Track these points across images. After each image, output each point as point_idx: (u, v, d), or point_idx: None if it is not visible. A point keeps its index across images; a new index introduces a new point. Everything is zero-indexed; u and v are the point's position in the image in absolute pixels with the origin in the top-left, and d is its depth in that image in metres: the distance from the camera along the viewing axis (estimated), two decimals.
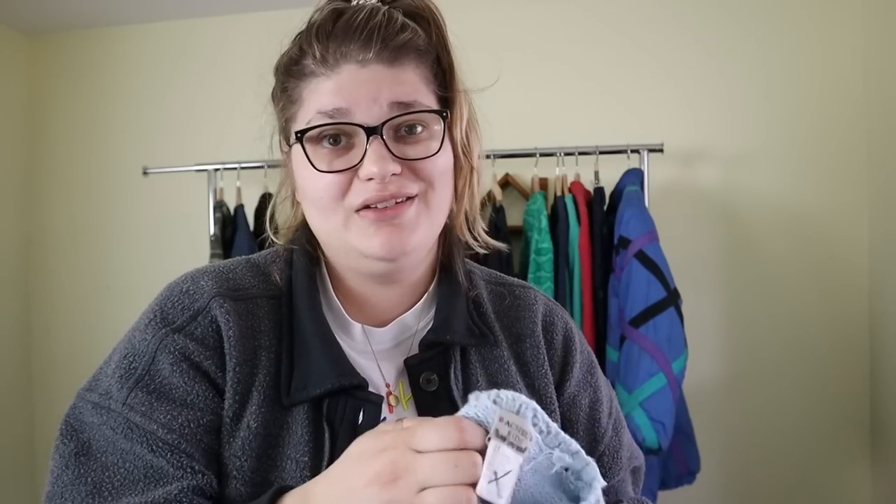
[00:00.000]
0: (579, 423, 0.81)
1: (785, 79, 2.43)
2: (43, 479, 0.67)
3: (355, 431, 0.69)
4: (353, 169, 0.69)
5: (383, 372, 0.75)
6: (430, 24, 0.74)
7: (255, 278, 0.76)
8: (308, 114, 0.70)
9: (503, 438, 0.49)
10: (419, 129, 0.70)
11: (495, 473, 0.48)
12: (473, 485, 0.47)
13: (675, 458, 2.12)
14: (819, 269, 2.41)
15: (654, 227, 2.09)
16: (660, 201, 2.40)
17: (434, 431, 0.49)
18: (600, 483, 0.52)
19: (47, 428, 2.84)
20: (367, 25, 0.69)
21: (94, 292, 2.85)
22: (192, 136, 2.75)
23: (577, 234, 2.21)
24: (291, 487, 0.61)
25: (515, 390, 0.76)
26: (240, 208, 2.46)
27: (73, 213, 2.89)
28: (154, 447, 0.65)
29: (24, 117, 2.91)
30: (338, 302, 0.76)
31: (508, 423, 0.50)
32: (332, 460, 0.66)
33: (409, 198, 0.70)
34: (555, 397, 0.80)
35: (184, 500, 0.63)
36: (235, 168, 2.43)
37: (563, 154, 2.29)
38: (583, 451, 0.53)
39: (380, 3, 0.72)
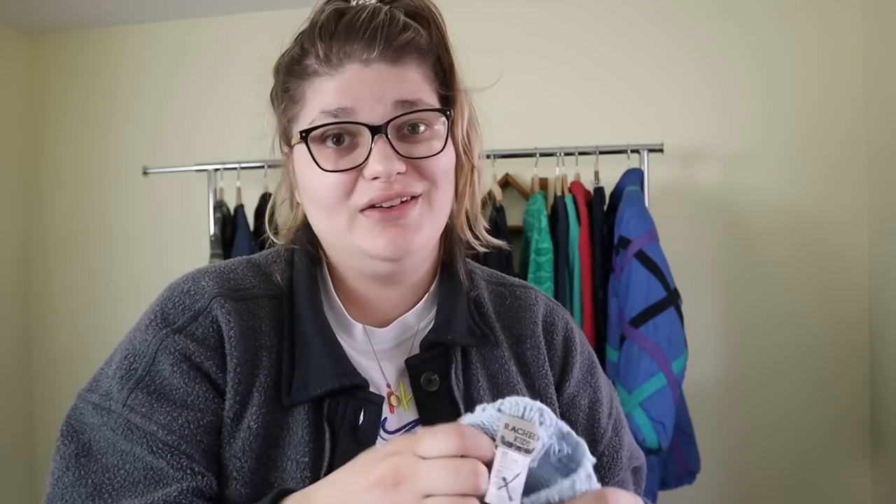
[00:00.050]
0: (579, 423, 0.81)
1: (785, 79, 2.43)
2: (43, 479, 0.67)
3: (356, 432, 0.69)
4: (358, 168, 0.69)
5: (385, 372, 0.75)
6: (431, 24, 0.74)
7: (256, 278, 0.76)
8: (311, 113, 0.70)
9: (510, 444, 0.49)
10: (422, 128, 0.70)
11: (504, 479, 0.48)
12: (477, 493, 0.47)
13: (675, 458, 2.12)
14: (819, 269, 2.41)
15: (654, 227, 2.09)
16: (660, 201, 2.40)
17: (437, 437, 0.49)
18: (590, 460, 0.52)
19: (47, 428, 2.85)
20: (371, 25, 0.69)
21: (94, 292, 2.85)
22: (192, 136, 2.75)
23: (577, 234, 2.21)
24: (293, 490, 0.60)
25: (516, 391, 0.77)
26: (240, 208, 2.45)
27: (73, 213, 2.89)
28: (154, 448, 0.65)
29: (24, 117, 2.91)
30: (339, 302, 0.76)
31: (514, 428, 0.50)
32: (332, 461, 0.67)
33: (414, 197, 0.70)
34: (555, 398, 0.80)
35: (183, 501, 0.62)
36: (235, 168, 2.43)
37: (563, 154, 2.29)
38: (573, 432, 0.53)
39: (381, 4, 0.72)
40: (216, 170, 2.49)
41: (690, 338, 2.11)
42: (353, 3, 0.72)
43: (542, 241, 2.18)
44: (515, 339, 0.81)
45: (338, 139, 0.69)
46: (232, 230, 2.45)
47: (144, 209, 2.82)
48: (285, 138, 0.76)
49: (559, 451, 0.53)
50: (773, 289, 2.44)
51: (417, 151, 0.70)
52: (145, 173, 2.57)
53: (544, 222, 2.20)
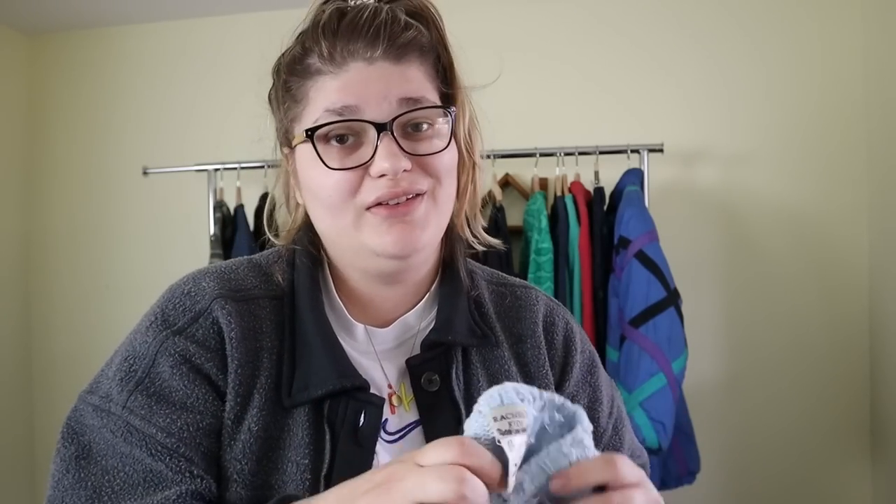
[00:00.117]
0: None
1: (785, 79, 2.43)
2: (43, 479, 0.67)
3: (356, 433, 0.69)
4: (364, 166, 0.69)
5: (386, 372, 0.75)
6: (430, 23, 0.74)
7: (257, 279, 0.76)
8: (315, 112, 0.70)
9: (507, 432, 0.49)
10: (425, 125, 0.70)
11: (516, 465, 0.49)
12: (462, 500, 0.48)
13: (675, 458, 2.12)
14: (819, 269, 2.41)
15: (654, 227, 2.09)
16: (660, 201, 2.40)
17: (437, 447, 0.49)
18: (585, 428, 0.52)
19: (47, 428, 2.85)
20: (373, 23, 0.69)
21: (94, 292, 2.84)
22: (192, 136, 2.75)
23: (577, 234, 2.21)
24: (296, 497, 0.61)
25: None
26: (240, 208, 2.45)
27: (73, 213, 2.89)
28: (153, 451, 0.65)
29: (24, 117, 2.91)
30: (340, 302, 0.76)
31: (503, 416, 0.50)
32: (332, 463, 0.67)
33: (419, 194, 0.70)
34: None
35: None
36: (235, 168, 2.43)
37: (563, 154, 2.29)
38: (568, 402, 0.53)
39: (381, 3, 0.72)
40: (216, 170, 2.49)
41: (690, 338, 2.11)
42: (353, 3, 0.72)
43: (542, 241, 2.18)
44: (516, 340, 0.81)
45: (341, 138, 0.69)
46: (232, 230, 2.45)
47: (144, 209, 2.81)
48: (286, 139, 0.76)
49: (555, 421, 0.53)
50: (773, 288, 2.44)
51: (422, 149, 0.70)
52: (145, 173, 2.57)
53: (544, 222, 2.21)
